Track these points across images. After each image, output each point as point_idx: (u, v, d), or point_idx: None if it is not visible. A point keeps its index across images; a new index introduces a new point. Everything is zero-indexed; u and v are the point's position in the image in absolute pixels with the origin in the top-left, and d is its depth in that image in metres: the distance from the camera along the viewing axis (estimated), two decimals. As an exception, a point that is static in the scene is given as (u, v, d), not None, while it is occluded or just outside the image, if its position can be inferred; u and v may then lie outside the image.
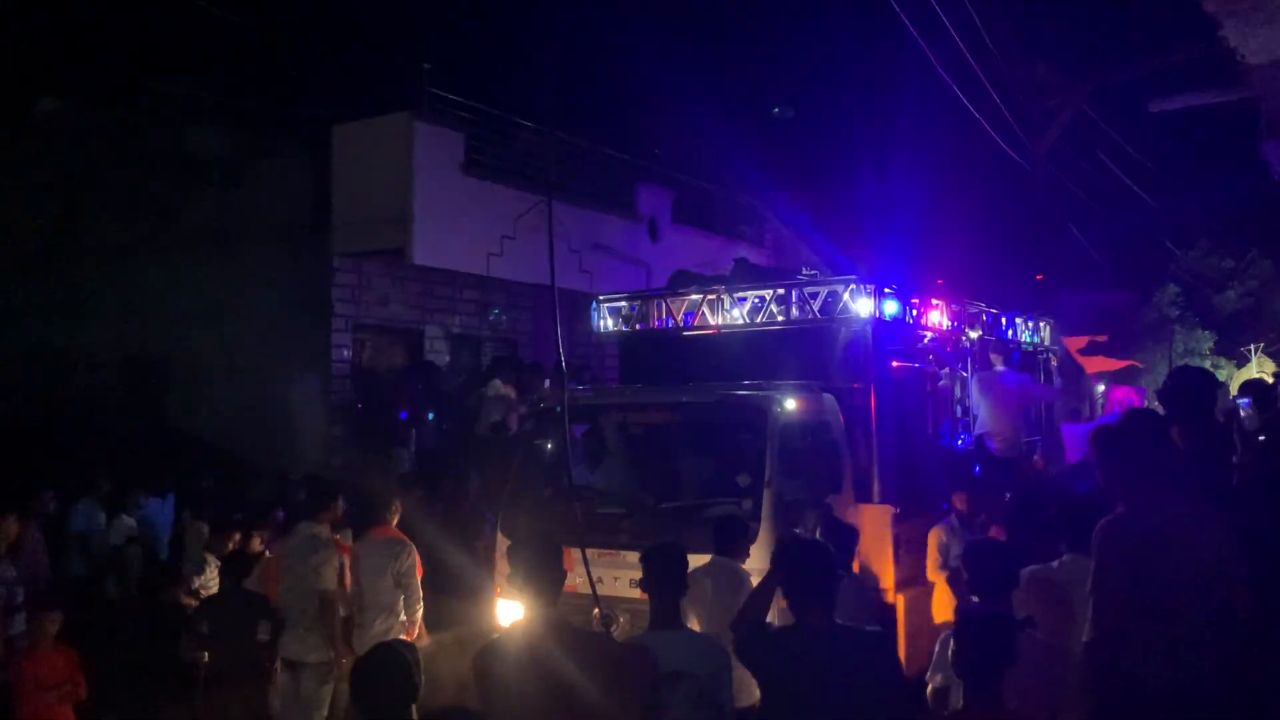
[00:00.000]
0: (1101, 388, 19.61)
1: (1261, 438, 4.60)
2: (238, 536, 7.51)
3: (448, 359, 13.24)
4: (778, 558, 3.85)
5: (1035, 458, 9.99)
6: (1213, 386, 4.86)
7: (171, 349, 12.51)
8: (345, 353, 11.97)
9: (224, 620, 6.15)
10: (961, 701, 3.62)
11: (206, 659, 6.17)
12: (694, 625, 4.89)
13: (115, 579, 8.94)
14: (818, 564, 3.74)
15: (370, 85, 12.16)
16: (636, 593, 4.77)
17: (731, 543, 5.59)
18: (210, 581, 7.46)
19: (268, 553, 7.28)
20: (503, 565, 6.77)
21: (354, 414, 11.90)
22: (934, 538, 7.23)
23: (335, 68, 12.50)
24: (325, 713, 6.33)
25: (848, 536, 6.12)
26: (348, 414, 11.92)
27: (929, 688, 4.17)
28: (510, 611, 6.62)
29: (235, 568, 6.44)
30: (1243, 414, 5.23)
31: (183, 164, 12.79)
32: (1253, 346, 19.30)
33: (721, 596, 5.15)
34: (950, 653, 3.55)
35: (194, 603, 7.09)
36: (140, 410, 12.46)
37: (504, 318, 14.20)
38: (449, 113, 11.66)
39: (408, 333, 12.91)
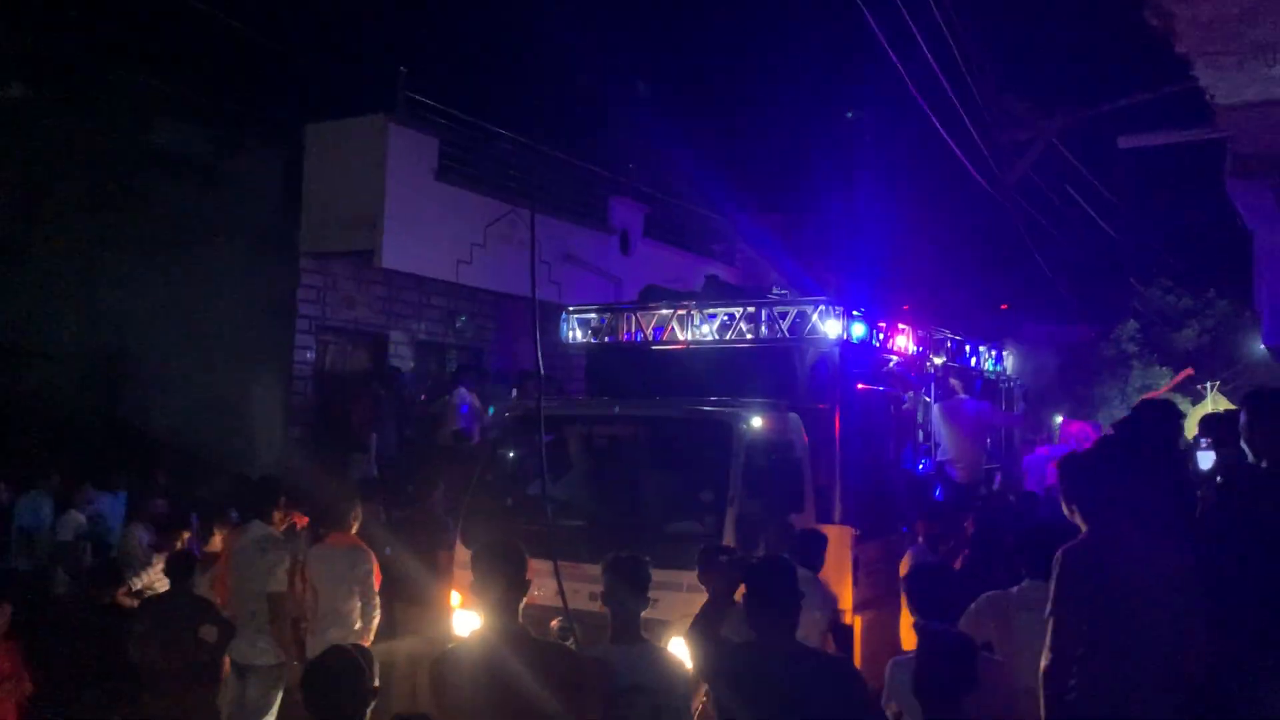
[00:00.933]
0: (1059, 419, 19.86)
1: (1219, 479, 4.66)
2: (186, 535, 7.37)
3: (412, 365, 13.14)
4: (744, 573, 3.83)
5: (995, 485, 10.08)
6: (1173, 418, 4.92)
7: (130, 344, 12.31)
8: (308, 354, 11.84)
9: (166, 622, 6.02)
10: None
11: (148, 660, 6.03)
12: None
13: (64, 574, 8.75)
14: (783, 581, 3.73)
15: (345, 86, 12.09)
16: (595, 606, 4.74)
17: (809, 554, 5.96)
18: (156, 582, 7.31)
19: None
20: (461, 574, 6.71)
21: (314, 417, 11.78)
22: (906, 565, 7.25)
23: (310, 67, 12.40)
24: (273, 718, 6.21)
25: (819, 544, 6.23)
26: (308, 416, 11.79)
27: (887, 715, 4.17)
28: (467, 621, 6.57)
29: (178, 568, 6.29)
30: (1199, 453, 5.29)
31: (149, 158, 12.61)
32: (1208, 384, 19.61)
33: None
34: (911, 675, 3.54)
35: (134, 603, 6.92)
36: (96, 405, 12.24)
37: (470, 325, 14.13)
38: (423, 117, 11.61)
39: (372, 337, 12.80)
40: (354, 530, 6.40)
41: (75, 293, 12.49)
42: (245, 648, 6.11)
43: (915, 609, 4.43)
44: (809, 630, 6.14)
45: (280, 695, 6.21)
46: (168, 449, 10.32)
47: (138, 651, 6.04)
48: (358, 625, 6.18)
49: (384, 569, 6.57)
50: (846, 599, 7.03)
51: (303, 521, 7.07)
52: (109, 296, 12.30)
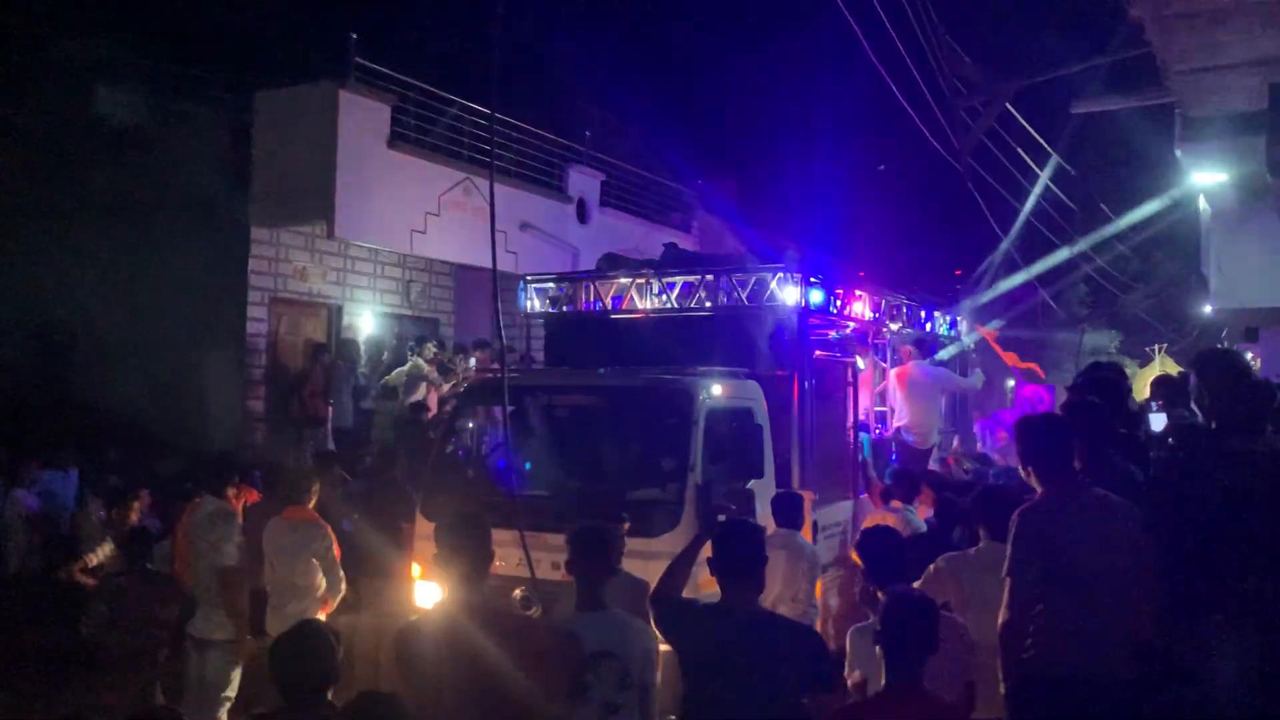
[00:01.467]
0: (1011, 383, 20.17)
1: (1170, 440, 4.76)
2: (137, 506, 7.25)
3: (367, 336, 13.01)
4: (713, 536, 3.84)
5: (953, 448, 10.21)
6: (1122, 380, 5.02)
7: (77, 319, 12.05)
8: (261, 327, 11.67)
9: (123, 600, 5.94)
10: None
11: (105, 639, 5.96)
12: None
13: (14, 552, 8.59)
14: (752, 545, 3.76)
15: (295, 52, 11.84)
16: (559, 575, 4.74)
17: (791, 514, 6.48)
18: (110, 558, 7.21)
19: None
20: (422, 547, 6.69)
21: (269, 390, 11.64)
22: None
23: (259, 32, 12.14)
24: (232, 692, 6.18)
25: (798, 504, 6.67)
26: (262, 390, 11.65)
27: (849, 682, 4.22)
28: (429, 593, 6.55)
29: (135, 546, 6.22)
30: (1152, 415, 5.40)
31: (92, 127, 12.29)
32: (1156, 346, 20.00)
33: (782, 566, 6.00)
34: (871, 641, 3.59)
35: (91, 581, 6.83)
36: (43, 382, 11.99)
37: (426, 295, 14.00)
38: (375, 84, 11.41)
39: (327, 308, 12.64)
40: (311, 504, 6.36)
41: (17, 266, 12.18)
42: (201, 623, 6.10)
43: (869, 573, 4.49)
44: (799, 582, 6.25)
45: (239, 670, 6.17)
46: (119, 424, 10.13)
47: (94, 630, 5.96)
48: (319, 594, 6.16)
49: (345, 542, 6.53)
50: (806, 562, 7.10)
51: (252, 497, 6.99)
52: (53, 269, 12.02)
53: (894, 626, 3.38)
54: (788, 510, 6.59)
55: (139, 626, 5.86)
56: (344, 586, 6.32)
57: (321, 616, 6.18)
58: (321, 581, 6.19)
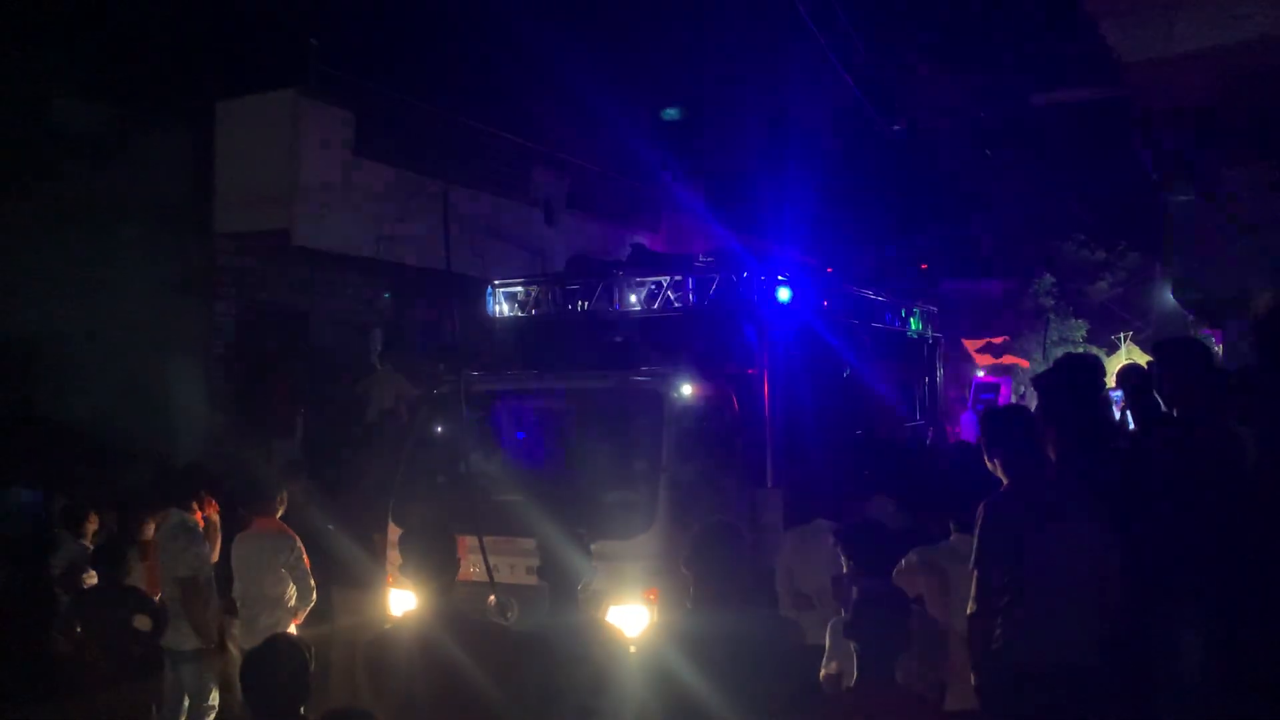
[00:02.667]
0: (981, 372, 20.37)
1: (1133, 428, 4.81)
2: (94, 520, 7.16)
3: (334, 344, 12.90)
4: (695, 541, 3.82)
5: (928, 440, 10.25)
6: (1097, 370, 5.05)
7: (38, 330, 11.85)
8: (226, 337, 11.55)
9: (96, 614, 5.89)
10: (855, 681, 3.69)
11: (80, 654, 5.90)
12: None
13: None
14: (733, 546, 3.75)
15: (256, 60, 11.71)
16: (533, 580, 4.73)
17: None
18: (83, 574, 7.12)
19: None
20: (394, 555, 6.65)
21: (236, 400, 11.52)
22: None
23: (218, 40, 11.99)
24: (215, 702, 6.14)
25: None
26: (229, 400, 11.53)
27: (822, 674, 4.23)
28: (402, 601, 6.52)
29: (107, 558, 6.16)
30: (1115, 408, 5.46)
31: (49, 136, 12.11)
32: (1122, 335, 20.25)
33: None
34: (845, 627, 3.60)
35: (61, 593, 6.75)
36: (9, 396, 11.80)
37: (392, 303, 13.91)
38: (337, 91, 11.32)
39: (292, 316, 12.52)
40: (279, 515, 6.32)
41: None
42: (172, 634, 6.09)
43: (851, 565, 4.50)
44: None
45: (214, 680, 6.14)
46: (84, 436, 9.99)
47: (68, 645, 5.91)
48: (291, 604, 6.13)
49: (317, 551, 6.50)
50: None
51: (211, 509, 6.90)
52: (10, 281, 11.82)
53: (865, 621, 3.40)
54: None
55: (116, 640, 5.80)
56: (314, 596, 6.29)
57: (293, 628, 6.16)
58: (292, 592, 6.16)
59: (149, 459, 9.51)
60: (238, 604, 6.33)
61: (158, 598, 6.23)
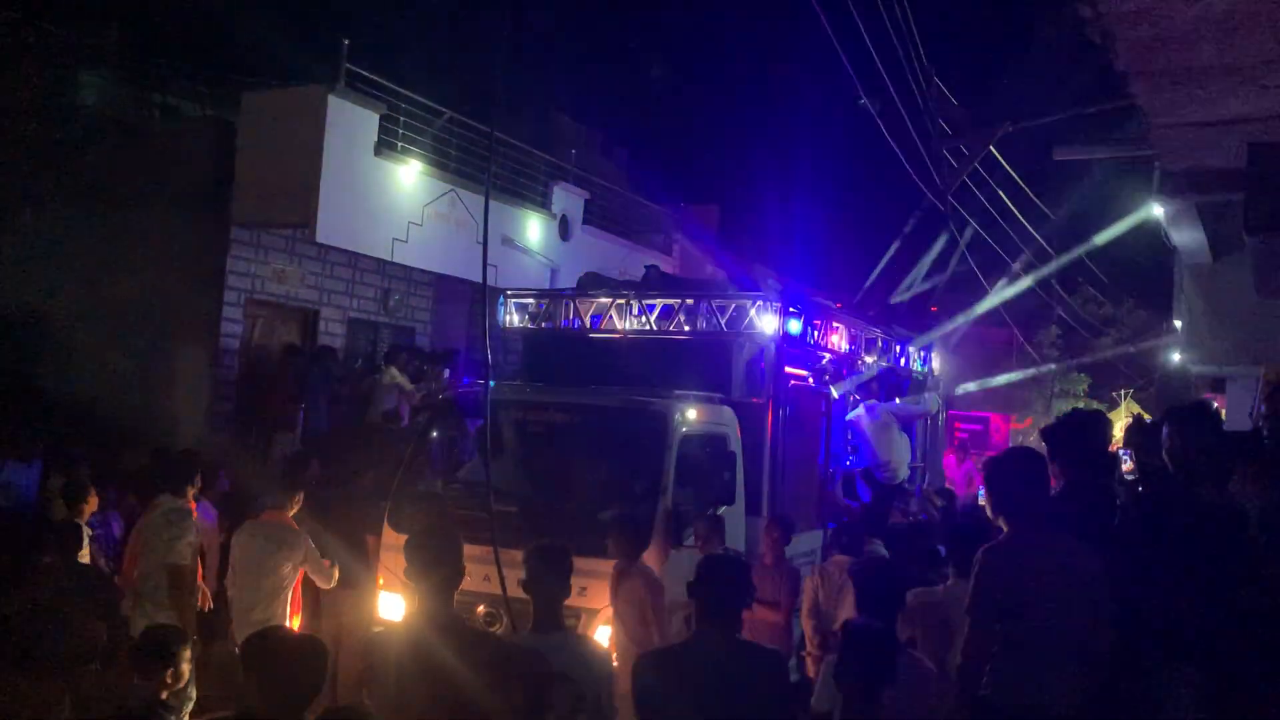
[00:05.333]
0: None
1: (1140, 488, 4.81)
2: (93, 502, 7.13)
3: (343, 343, 12.94)
4: (701, 569, 3.81)
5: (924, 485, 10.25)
6: (1103, 426, 5.06)
7: (48, 308, 11.89)
8: (236, 327, 11.58)
9: (51, 597, 5.83)
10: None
11: (33, 638, 5.83)
12: None
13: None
14: (737, 580, 3.75)
15: (285, 54, 11.79)
16: (520, 592, 4.73)
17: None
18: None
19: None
20: (388, 558, 6.64)
21: (240, 392, 11.53)
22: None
23: (250, 32, 12.08)
24: (190, 693, 6.09)
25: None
26: (234, 391, 11.54)
27: (812, 710, 4.23)
28: (391, 604, 6.51)
29: (63, 539, 6.11)
30: (1124, 466, 5.48)
31: (73, 114, 12.17)
32: (1123, 391, 20.27)
33: None
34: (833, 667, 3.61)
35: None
36: (9, 370, 11.81)
37: (404, 305, 13.95)
38: (365, 91, 11.39)
39: (303, 312, 12.57)
40: (291, 512, 6.34)
41: (-11, 253, 12.02)
42: (148, 623, 6.00)
43: (860, 603, 4.50)
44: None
45: (191, 669, 6.09)
46: (86, 418, 10.00)
47: (23, 627, 5.84)
48: (285, 599, 6.15)
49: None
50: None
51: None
52: (25, 257, 11.86)
53: (850, 659, 3.40)
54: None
55: (71, 625, 5.74)
56: (336, 573, 6.37)
57: (295, 623, 6.16)
58: (287, 586, 6.15)
59: (148, 443, 9.50)
60: (230, 592, 6.32)
61: (135, 582, 6.19)
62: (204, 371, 11.24)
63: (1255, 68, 4.33)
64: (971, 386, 15.94)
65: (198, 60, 12.82)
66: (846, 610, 6.12)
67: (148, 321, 11.18)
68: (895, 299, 12.43)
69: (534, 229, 14.23)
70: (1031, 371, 19.84)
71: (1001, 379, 18.02)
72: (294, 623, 6.24)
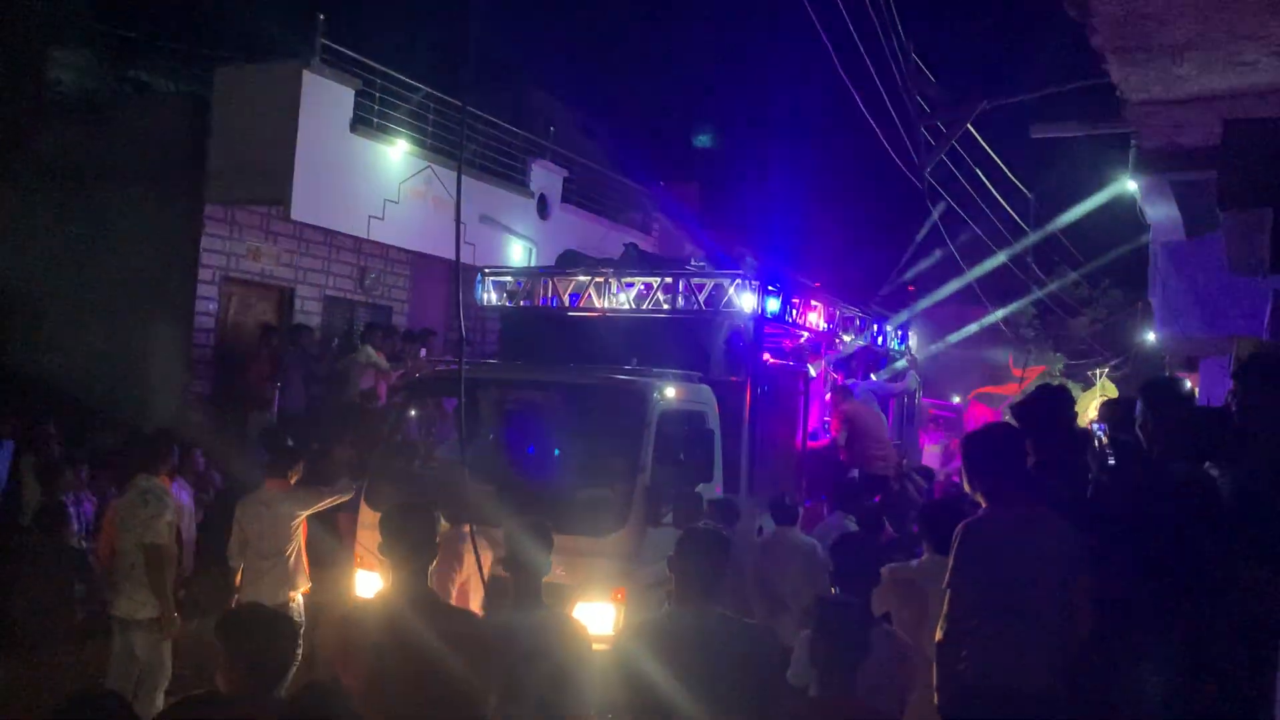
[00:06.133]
0: (956, 398, 20.51)
1: (1111, 461, 4.85)
2: (68, 480, 7.09)
3: (319, 321, 12.85)
4: (682, 543, 3.83)
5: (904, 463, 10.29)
6: (1069, 403, 5.10)
7: (20, 287, 11.74)
8: (211, 305, 11.47)
9: (32, 575, 5.81)
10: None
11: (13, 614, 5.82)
12: None
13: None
14: (716, 553, 3.77)
15: (260, 29, 11.64)
16: (500, 571, 4.73)
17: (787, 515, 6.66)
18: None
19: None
20: (364, 536, 6.63)
21: (216, 370, 11.44)
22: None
23: (224, 6, 11.92)
24: (166, 671, 6.07)
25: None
26: (209, 370, 11.45)
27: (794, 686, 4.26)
28: (368, 582, 6.50)
29: (47, 520, 6.08)
30: (1097, 441, 5.51)
31: (43, 90, 11.99)
32: (1098, 370, 20.42)
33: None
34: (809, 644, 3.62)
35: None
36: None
37: (380, 283, 13.86)
38: (340, 67, 11.27)
39: (279, 290, 12.46)
40: (293, 481, 6.55)
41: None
42: (125, 602, 6.01)
43: (836, 578, 4.52)
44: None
45: (169, 648, 6.07)
46: (59, 398, 9.90)
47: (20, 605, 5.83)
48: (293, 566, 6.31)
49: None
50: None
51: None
52: (-3, 236, 11.70)
53: (824, 634, 3.42)
54: (784, 510, 6.78)
55: (52, 603, 5.72)
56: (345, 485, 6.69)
57: (299, 596, 6.20)
58: (294, 550, 6.21)
59: (122, 422, 9.43)
60: (231, 560, 6.41)
61: (110, 562, 6.19)
62: (178, 350, 11.14)
63: (1230, 44, 4.34)
64: (948, 340, 16.05)
65: (170, 36, 12.64)
66: (792, 577, 6.24)
67: (121, 300, 11.07)
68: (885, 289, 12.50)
69: (512, 207, 14.15)
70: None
71: (972, 326, 18.16)
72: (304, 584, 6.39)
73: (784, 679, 3.81)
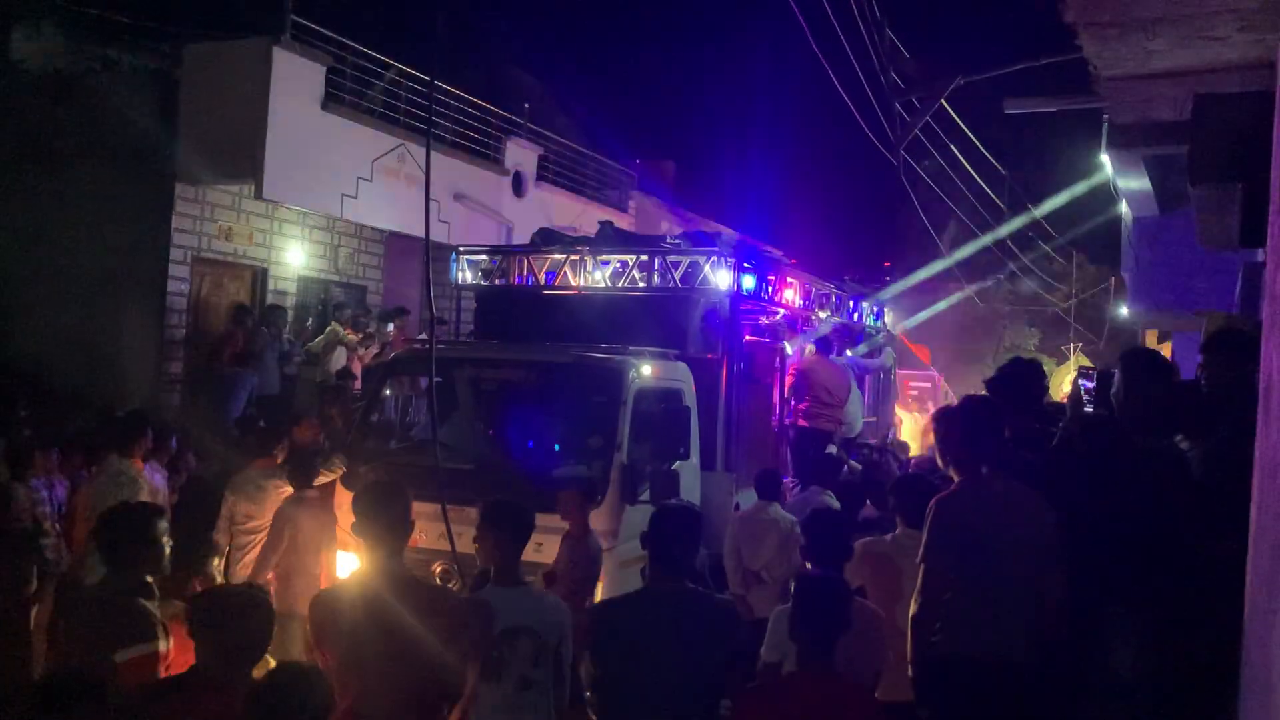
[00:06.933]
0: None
1: (1090, 409, 4.89)
2: (39, 465, 7.00)
3: (293, 300, 12.75)
4: (655, 520, 3.84)
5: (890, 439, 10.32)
6: (1040, 376, 5.14)
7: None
8: (182, 286, 11.35)
9: None
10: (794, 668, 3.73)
11: None
12: None
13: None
14: (688, 529, 3.78)
15: (228, 5, 11.48)
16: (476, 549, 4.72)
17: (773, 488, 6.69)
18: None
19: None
20: (341, 517, 6.61)
21: (189, 352, 11.33)
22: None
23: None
24: None
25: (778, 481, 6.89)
26: (182, 351, 11.34)
27: (761, 660, 4.28)
28: (347, 563, 6.48)
29: None
30: (1082, 393, 5.62)
31: (8, 69, 11.78)
32: (1072, 345, 20.61)
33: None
34: (786, 619, 3.64)
35: None
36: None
37: (354, 262, 13.76)
38: (311, 43, 11.13)
39: (251, 270, 12.35)
40: (279, 460, 6.58)
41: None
42: (98, 581, 5.96)
43: (810, 553, 4.55)
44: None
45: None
46: (30, 381, 9.78)
47: None
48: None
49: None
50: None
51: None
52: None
53: (804, 609, 3.44)
54: (768, 484, 6.78)
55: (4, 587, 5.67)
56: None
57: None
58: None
59: (94, 404, 9.33)
60: (218, 537, 6.42)
61: (82, 545, 6.13)
62: (150, 332, 11.03)
63: (1201, 19, 4.35)
64: (921, 318, 16.13)
65: (138, 12, 12.43)
66: (768, 551, 6.29)
67: (91, 281, 10.93)
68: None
69: (487, 185, 14.06)
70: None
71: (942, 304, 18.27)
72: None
73: (751, 653, 3.84)
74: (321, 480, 6.60)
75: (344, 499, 6.55)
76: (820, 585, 3.63)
